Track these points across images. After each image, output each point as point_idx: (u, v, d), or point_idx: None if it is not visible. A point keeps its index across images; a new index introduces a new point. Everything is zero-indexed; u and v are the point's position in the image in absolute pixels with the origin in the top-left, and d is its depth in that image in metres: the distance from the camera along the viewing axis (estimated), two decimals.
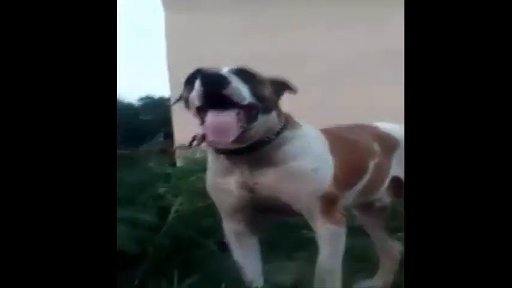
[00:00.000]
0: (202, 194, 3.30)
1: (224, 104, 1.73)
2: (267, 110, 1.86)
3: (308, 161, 1.91)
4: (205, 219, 2.62)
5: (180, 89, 1.90)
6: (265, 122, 1.87)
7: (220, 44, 5.88)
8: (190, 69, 1.87)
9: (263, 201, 1.92)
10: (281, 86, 1.97)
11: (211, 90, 1.72)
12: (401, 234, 2.69)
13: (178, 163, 5.30)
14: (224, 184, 1.95)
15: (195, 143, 1.97)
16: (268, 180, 1.89)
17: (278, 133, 1.91)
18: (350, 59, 6.05)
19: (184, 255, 1.91)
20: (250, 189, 1.91)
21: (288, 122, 1.96)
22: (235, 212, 1.99)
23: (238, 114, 1.75)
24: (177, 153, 5.77)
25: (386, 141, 2.30)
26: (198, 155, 4.39)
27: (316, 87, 5.32)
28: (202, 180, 3.69)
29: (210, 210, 2.82)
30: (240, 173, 1.91)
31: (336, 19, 6.12)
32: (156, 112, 8.77)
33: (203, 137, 1.91)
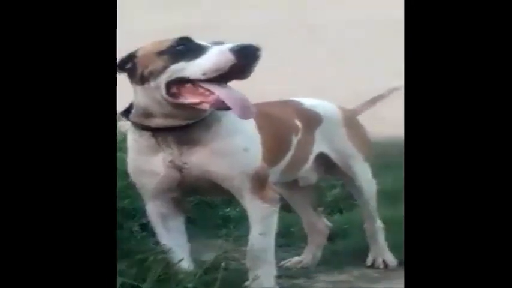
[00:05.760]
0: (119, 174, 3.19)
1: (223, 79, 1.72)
2: None
3: (239, 139, 1.86)
4: (123, 200, 2.50)
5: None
6: None
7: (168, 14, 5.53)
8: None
9: (192, 181, 1.85)
10: None
11: (245, 62, 1.68)
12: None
13: None
14: (149, 164, 1.85)
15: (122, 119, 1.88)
16: (198, 160, 1.82)
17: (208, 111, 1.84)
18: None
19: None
20: (179, 169, 1.83)
21: None
22: (161, 194, 1.89)
23: None
24: None
25: (308, 117, 2.28)
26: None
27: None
28: (120, 159, 3.57)
29: (127, 191, 2.72)
30: (168, 152, 1.82)
31: None
32: None
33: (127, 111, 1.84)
